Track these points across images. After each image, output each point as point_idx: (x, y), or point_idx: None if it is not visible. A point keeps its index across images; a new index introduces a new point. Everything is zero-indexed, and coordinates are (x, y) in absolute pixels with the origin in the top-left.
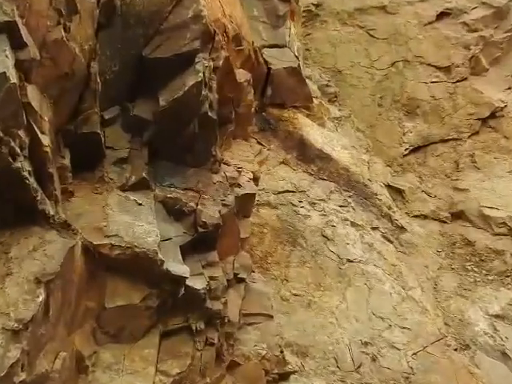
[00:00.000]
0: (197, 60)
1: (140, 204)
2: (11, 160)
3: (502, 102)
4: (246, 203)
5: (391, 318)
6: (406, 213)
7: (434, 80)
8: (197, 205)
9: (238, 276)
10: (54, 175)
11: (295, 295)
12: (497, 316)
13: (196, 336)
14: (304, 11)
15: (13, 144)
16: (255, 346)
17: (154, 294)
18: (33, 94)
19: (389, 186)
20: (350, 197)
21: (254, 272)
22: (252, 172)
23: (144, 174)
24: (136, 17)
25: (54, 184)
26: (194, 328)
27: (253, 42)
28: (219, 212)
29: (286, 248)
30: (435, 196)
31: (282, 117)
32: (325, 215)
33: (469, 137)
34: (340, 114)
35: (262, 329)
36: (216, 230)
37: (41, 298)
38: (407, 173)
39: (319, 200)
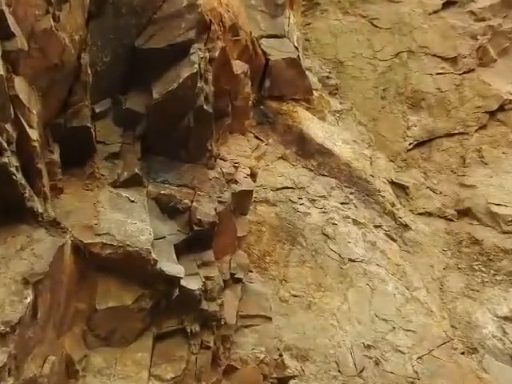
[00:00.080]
0: (192, 51)
1: (132, 201)
2: None
3: (511, 94)
4: (243, 200)
5: (395, 320)
6: (411, 210)
7: (439, 71)
8: (192, 202)
9: (235, 276)
10: (43, 171)
11: (294, 296)
12: (506, 318)
13: (191, 339)
14: (304, 0)
15: None
16: (253, 349)
17: (147, 295)
18: (21, 86)
19: (392, 183)
20: (351, 193)
21: (251, 272)
22: (249, 168)
23: (137, 170)
24: (128, 6)
25: (43, 180)
26: (188, 330)
27: (250, 32)
28: (215, 209)
29: (285, 247)
30: (441, 193)
31: (280, 110)
32: (325, 213)
33: (476, 131)
34: (341, 107)
35: (260, 331)
36: (212, 228)
37: (29, 300)
38: (411, 168)
39: (319, 197)
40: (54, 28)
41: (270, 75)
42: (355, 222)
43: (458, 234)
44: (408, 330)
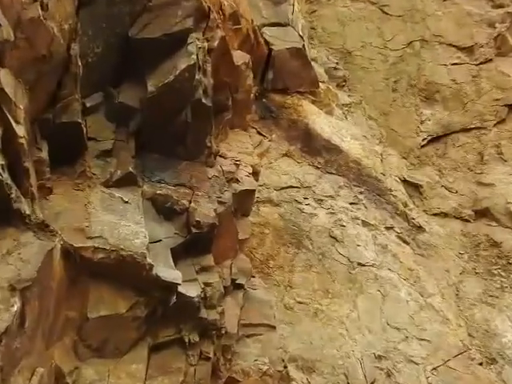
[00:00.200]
0: (189, 40)
1: (126, 202)
2: None
3: None
4: (244, 200)
5: (408, 328)
6: (424, 210)
7: (454, 62)
8: (190, 202)
9: (237, 282)
10: (30, 170)
11: (300, 303)
12: None
13: (189, 349)
14: None
15: None
16: (256, 360)
17: (142, 302)
18: (6, 79)
19: (405, 181)
20: (361, 193)
21: (253, 277)
22: (251, 165)
23: (131, 169)
24: None
25: (30, 180)
26: (186, 340)
27: (252, 21)
28: (215, 210)
29: (290, 250)
30: (457, 192)
31: (284, 104)
32: (333, 214)
33: (494, 125)
34: (350, 101)
35: (264, 341)
36: (211, 230)
37: (15, 308)
38: (425, 166)
39: (327, 197)
40: (41, 17)
41: (273, 66)
42: (365, 224)
43: (475, 236)
44: (422, 340)
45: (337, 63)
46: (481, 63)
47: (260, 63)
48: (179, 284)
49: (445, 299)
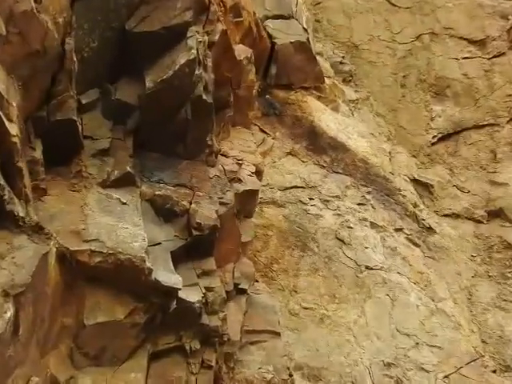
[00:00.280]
0: (189, 34)
1: (124, 203)
2: None
3: None
4: (247, 201)
5: (418, 334)
6: (435, 211)
7: (466, 56)
8: (190, 203)
9: (239, 287)
10: (24, 170)
11: (306, 309)
12: None
13: (190, 357)
14: None
15: None
16: (260, 368)
17: (140, 308)
18: None
19: (414, 180)
20: (368, 193)
21: (257, 282)
22: (254, 165)
23: (128, 168)
24: None
25: (24, 180)
26: (187, 348)
27: (254, 13)
28: (216, 212)
29: (295, 253)
30: (469, 191)
31: (288, 100)
32: (340, 215)
33: (508, 122)
34: (356, 96)
35: (268, 348)
36: (213, 232)
37: (9, 314)
38: (436, 164)
39: (333, 197)
40: (34, 10)
41: (277, 61)
42: (373, 225)
43: (488, 238)
44: (433, 346)
45: (343, 57)
46: (493, 57)
47: (263, 57)
48: (179, 289)
49: (457, 304)
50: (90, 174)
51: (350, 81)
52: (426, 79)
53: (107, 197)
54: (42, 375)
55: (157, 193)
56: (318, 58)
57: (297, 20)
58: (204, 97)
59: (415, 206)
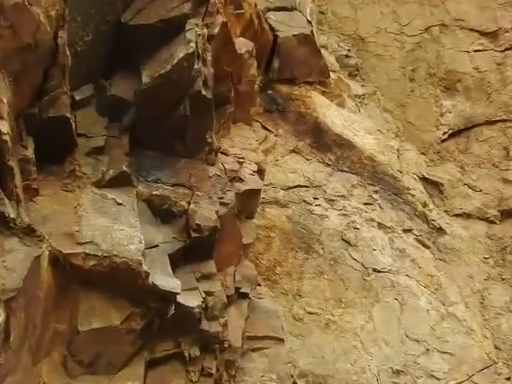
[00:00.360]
0: (187, 27)
1: (120, 203)
2: None
3: None
4: (249, 201)
5: (428, 340)
6: (446, 211)
7: (477, 48)
8: (189, 204)
9: (241, 291)
10: (15, 169)
11: (310, 314)
12: None
13: (189, 365)
14: None
15: None
16: (262, 376)
17: (137, 313)
18: None
19: (424, 179)
20: (376, 192)
21: (259, 285)
22: (256, 163)
23: (124, 167)
24: None
25: (15, 180)
26: (186, 355)
27: (255, 5)
28: (216, 212)
29: (299, 256)
30: (481, 190)
31: (291, 95)
32: (345, 215)
33: None
34: (363, 91)
35: (271, 355)
36: (213, 234)
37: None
38: (446, 162)
39: (338, 196)
40: (26, 2)
41: (279, 55)
42: (381, 226)
43: (501, 239)
44: (444, 352)
45: (349, 50)
46: (506, 49)
47: (265, 51)
48: (178, 293)
49: (469, 308)
50: (84, 173)
51: (356, 75)
52: (435, 73)
53: (102, 197)
54: None
55: (154, 193)
56: (322, 51)
57: (300, 12)
58: (203, 92)
59: (425, 205)
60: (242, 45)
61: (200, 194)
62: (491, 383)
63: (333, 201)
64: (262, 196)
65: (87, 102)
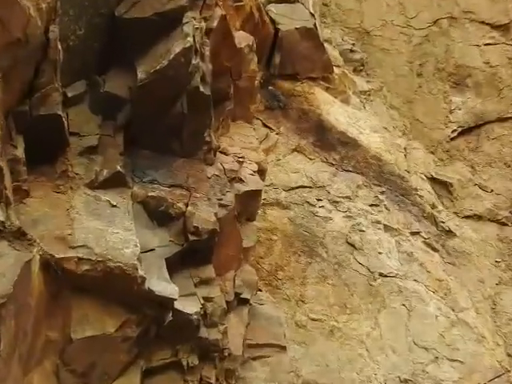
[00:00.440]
0: (185, 20)
1: (114, 205)
2: None
3: None
4: (249, 203)
5: (438, 348)
6: (455, 213)
7: (488, 42)
8: (187, 206)
9: (241, 296)
10: (4, 170)
11: (314, 320)
12: None
13: (188, 374)
14: None
15: None
16: None
17: (133, 320)
18: None
19: (432, 179)
20: (382, 193)
21: (260, 291)
22: (257, 163)
23: (119, 168)
24: None
25: (4, 181)
26: (184, 364)
27: None
28: (215, 215)
29: (302, 260)
30: (492, 191)
31: (294, 91)
32: (350, 217)
33: None
34: (368, 87)
35: (273, 364)
36: (211, 237)
37: None
38: (455, 161)
39: (343, 198)
40: None
41: (281, 49)
42: (387, 229)
43: None
44: (454, 361)
45: (353, 44)
46: None
47: (265, 45)
48: (175, 299)
49: (480, 314)
50: (77, 173)
51: (361, 70)
52: (444, 68)
53: (95, 199)
54: None
55: (150, 194)
56: (325, 45)
57: (302, 4)
58: (201, 88)
59: (433, 207)
60: (242, 39)
61: (198, 195)
62: None
63: (337, 202)
64: (262, 197)
65: (80, 99)
